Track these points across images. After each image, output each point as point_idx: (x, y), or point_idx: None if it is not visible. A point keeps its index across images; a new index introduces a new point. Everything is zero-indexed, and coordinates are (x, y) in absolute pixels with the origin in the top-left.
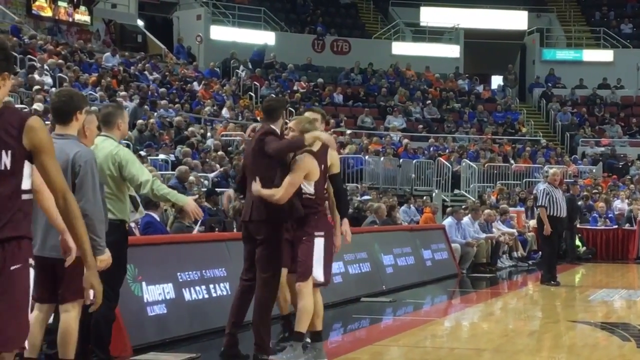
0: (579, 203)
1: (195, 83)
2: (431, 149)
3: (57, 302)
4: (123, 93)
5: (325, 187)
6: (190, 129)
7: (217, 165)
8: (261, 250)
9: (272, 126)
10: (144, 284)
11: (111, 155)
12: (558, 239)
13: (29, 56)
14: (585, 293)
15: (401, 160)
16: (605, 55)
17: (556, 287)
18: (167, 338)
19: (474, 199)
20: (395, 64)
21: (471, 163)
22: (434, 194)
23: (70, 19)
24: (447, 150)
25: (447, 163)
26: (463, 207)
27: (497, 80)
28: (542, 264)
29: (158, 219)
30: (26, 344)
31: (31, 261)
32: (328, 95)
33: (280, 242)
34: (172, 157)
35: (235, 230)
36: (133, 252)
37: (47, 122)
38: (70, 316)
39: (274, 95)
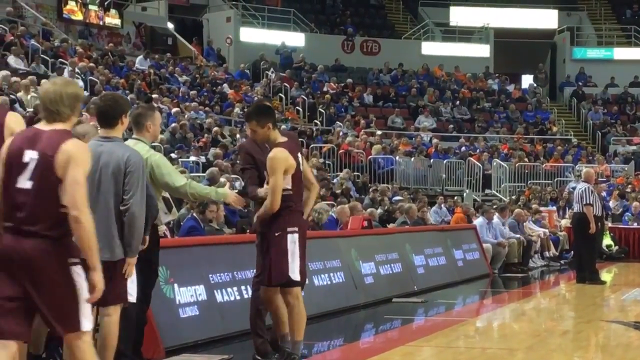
0: (611, 202)
1: (225, 85)
2: (462, 148)
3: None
4: (155, 96)
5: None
6: (215, 128)
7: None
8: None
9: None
10: (175, 285)
11: (144, 160)
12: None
13: (60, 60)
14: (618, 292)
15: (432, 160)
16: (636, 53)
17: (591, 286)
18: (199, 340)
19: (505, 199)
20: (424, 64)
21: (502, 163)
22: (464, 194)
23: (101, 22)
24: (477, 150)
25: (477, 163)
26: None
27: (527, 80)
28: (585, 263)
29: (202, 224)
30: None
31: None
32: (358, 96)
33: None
34: (202, 159)
35: None
36: (165, 254)
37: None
38: (112, 320)
39: (304, 97)
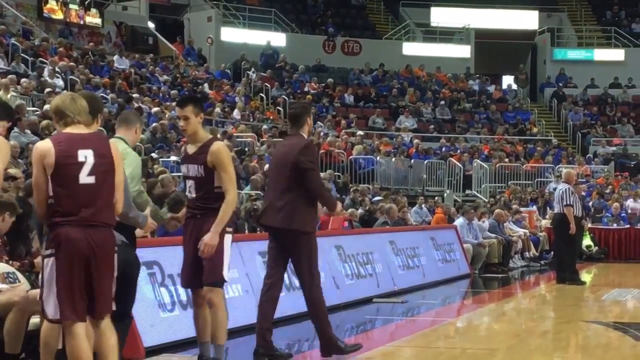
0: (590, 203)
1: (206, 85)
2: (442, 149)
3: None
4: (135, 95)
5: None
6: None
7: None
8: (296, 256)
9: (301, 132)
10: (156, 285)
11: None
12: (577, 239)
13: (40, 59)
14: (598, 293)
15: (412, 160)
16: (616, 54)
17: (571, 287)
18: (179, 340)
19: (485, 199)
20: (409, 65)
21: (482, 163)
22: (445, 195)
23: (81, 22)
24: (458, 151)
25: (458, 163)
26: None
27: (508, 81)
28: (565, 264)
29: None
30: None
31: None
32: (339, 96)
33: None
34: None
35: (247, 231)
36: (144, 253)
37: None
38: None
39: (285, 97)
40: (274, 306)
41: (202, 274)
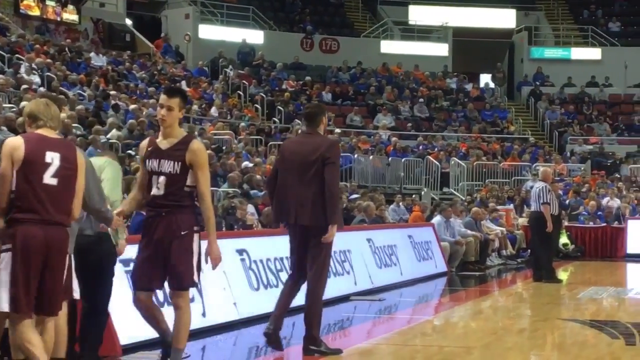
0: (567, 201)
1: (183, 82)
2: (420, 147)
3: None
4: (113, 92)
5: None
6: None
7: None
8: (317, 250)
9: (317, 131)
10: (132, 283)
11: (97, 167)
12: (554, 237)
13: (17, 55)
14: (574, 291)
15: (390, 158)
16: (593, 53)
17: (548, 285)
18: (156, 337)
19: (462, 197)
20: (386, 63)
21: (460, 161)
22: (422, 193)
23: (58, 18)
24: (435, 149)
25: (435, 161)
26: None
27: (485, 79)
28: (542, 262)
29: None
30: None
31: None
32: (316, 94)
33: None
34: None
35: (224, 229)
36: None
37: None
38: (61, 314)
39: (262, 94)
40: (292, 299)
41: (161, 276)
